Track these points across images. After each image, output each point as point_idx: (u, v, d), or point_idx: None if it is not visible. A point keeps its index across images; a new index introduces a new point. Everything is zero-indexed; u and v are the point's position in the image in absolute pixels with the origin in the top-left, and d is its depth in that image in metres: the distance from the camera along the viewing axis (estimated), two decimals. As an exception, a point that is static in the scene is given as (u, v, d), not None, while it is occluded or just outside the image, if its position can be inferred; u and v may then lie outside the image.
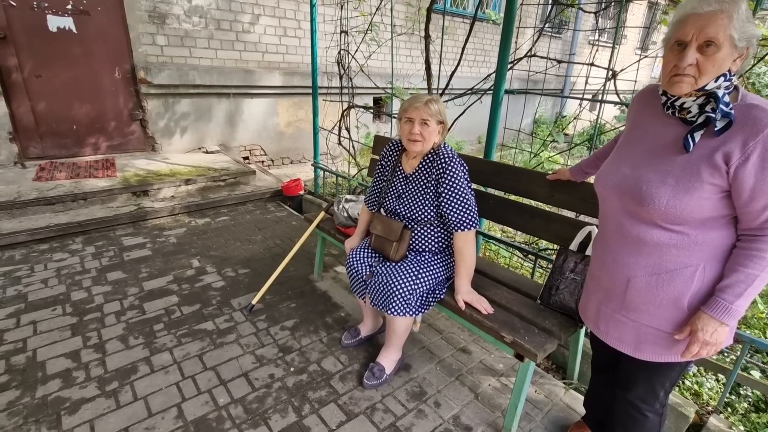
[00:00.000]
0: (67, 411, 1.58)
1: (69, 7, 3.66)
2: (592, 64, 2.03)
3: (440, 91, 2.61)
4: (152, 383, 1.74)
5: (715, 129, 0.94)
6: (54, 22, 3.63)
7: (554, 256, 2.38)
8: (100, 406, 1.61)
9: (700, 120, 0.96)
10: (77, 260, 2.70)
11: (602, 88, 1.78)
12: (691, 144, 0.97)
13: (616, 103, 1.91)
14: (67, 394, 1.66)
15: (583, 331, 1.76)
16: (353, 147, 3.91)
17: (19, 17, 3.48)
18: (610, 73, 1.83)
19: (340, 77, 3.64)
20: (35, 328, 2.03)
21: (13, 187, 3.20)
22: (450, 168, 1.64)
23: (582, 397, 1.79)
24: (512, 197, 2.07)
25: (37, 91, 3.72)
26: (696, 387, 1.84)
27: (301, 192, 4.00)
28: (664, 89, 1.02)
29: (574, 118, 2.23)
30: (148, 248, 2.92)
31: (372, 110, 3.96)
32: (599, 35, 9.35)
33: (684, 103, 0.99)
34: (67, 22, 3.69)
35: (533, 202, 1.93)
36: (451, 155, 1.68)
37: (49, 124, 3.86)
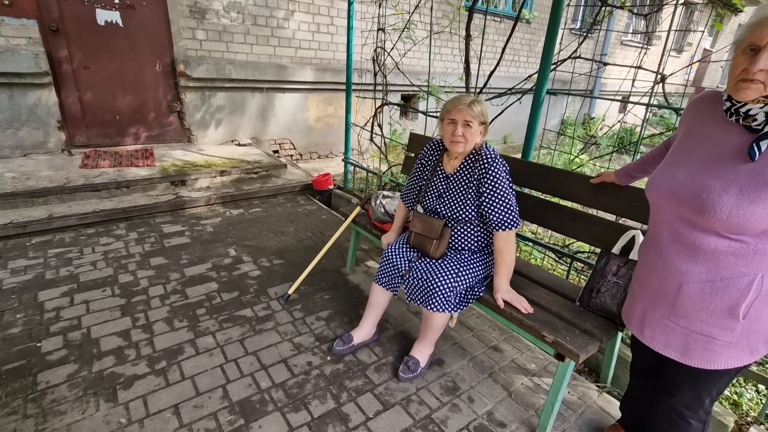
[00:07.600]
0: (121, 386, 1.68)
1: (116, 1, 3.81)
2: (639, 67, 2.01)
3: (477, 90, 2.62)
4: (198, 364, 1.83)
5: None
6: (102, 16, 3.79)
7: (590, 259, 2.37)
8: (152, 383, 1.71)
9: (767, 128, 0.96)
10: (122, 245, 2.83)
11: (650, 92, 1.77)
12: (757, 153, 0.96)
13: (660, 107, 1.89)
14: (121, 370, 1.76)
15: (620, 335, 1.75)
16: (384, 143, 3.94)
17: (70, 11, 3.65)
18: (659, 77, 1.82)
19: (375, 74, 3.68)
20: (88, 307, 2.15)
21: (62, 173, 3.37)
22: (492, 168, 1.66)
23: (616, 401, 1.80)
24: (548, 198, 2.07)
25: (85, 82, 3.89)
26: (735, 397, 1.81)
27: (331, 186, 4.07)
28: (729, 94, 1.01)
29: (618, 122, 2.21)
30: (186, 236, 3.04)
31: (411, 108, 3.98)
32: (648, 39, 9.15)
33: (750, 109, 0.97)
34: (115, 16, 3.84)
35: (569, 204, 1.92)
36: (493, 155, 1.69)
37: (95, 114, 4.04)
